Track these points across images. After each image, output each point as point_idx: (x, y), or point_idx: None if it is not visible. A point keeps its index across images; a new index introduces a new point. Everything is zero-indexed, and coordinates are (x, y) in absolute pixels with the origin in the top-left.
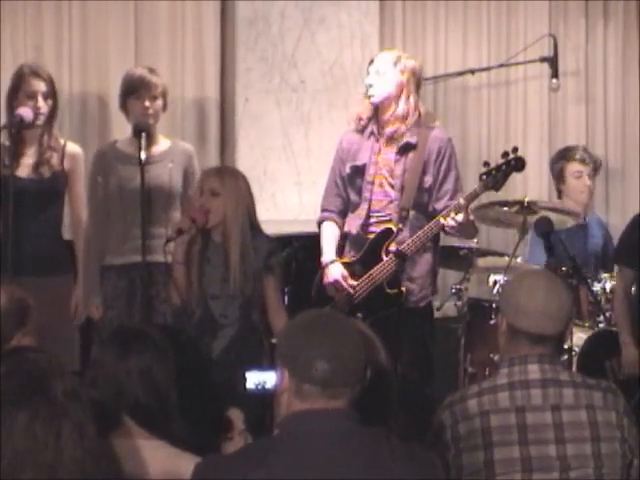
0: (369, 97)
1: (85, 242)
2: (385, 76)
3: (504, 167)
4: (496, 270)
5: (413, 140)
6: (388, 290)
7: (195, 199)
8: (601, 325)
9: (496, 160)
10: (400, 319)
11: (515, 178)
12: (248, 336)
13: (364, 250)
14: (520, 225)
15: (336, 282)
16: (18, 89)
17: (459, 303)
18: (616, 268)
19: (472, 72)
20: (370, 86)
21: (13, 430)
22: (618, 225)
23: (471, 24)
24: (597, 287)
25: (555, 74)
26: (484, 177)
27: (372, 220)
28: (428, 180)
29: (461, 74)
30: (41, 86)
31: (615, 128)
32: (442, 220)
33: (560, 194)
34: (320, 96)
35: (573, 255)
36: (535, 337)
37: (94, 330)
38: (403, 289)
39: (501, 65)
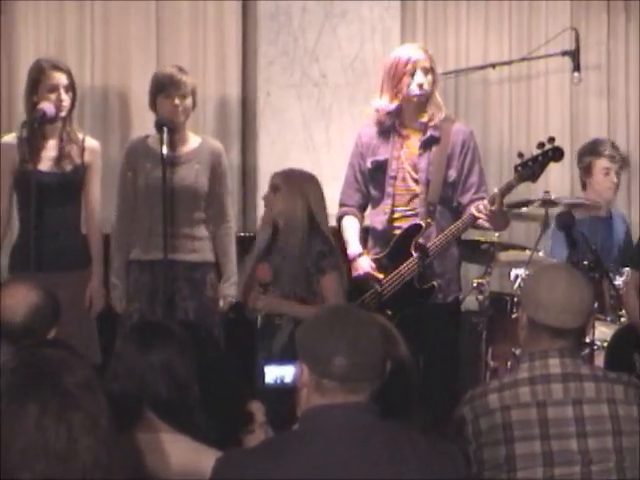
0: (418, 97)
1: (112, 235)
2: (431, 73)
3: (540, 158)
4: (517, 264)
5: (436, 133)
6: (419, 286)
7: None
8: (623, 319)
9: (529, 152)
10: (427, 315)
11: None
12: None
13: (392, 245)
14: (542, 219)
15: (367, 274)
16: (38, 83)
17: (481, 297)
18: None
19: (493, 66)
20: (421, 85)
21: (24, 422)
22: (639, 219)
23: (493, 17)
24: (619, 281)
25: (577, 68)
26: (519, 168)
27: (397, 215)
28: (452, 174)
29: (482, 68)
30: (62, 79)
31: (636, 122)
32: (475, 213)
33: (585, 186)
34: (341, 90)
35: (595, 248)
36: (556, 331)
37: (118, 323)
38: (435, 284)
39: (523, 59)
